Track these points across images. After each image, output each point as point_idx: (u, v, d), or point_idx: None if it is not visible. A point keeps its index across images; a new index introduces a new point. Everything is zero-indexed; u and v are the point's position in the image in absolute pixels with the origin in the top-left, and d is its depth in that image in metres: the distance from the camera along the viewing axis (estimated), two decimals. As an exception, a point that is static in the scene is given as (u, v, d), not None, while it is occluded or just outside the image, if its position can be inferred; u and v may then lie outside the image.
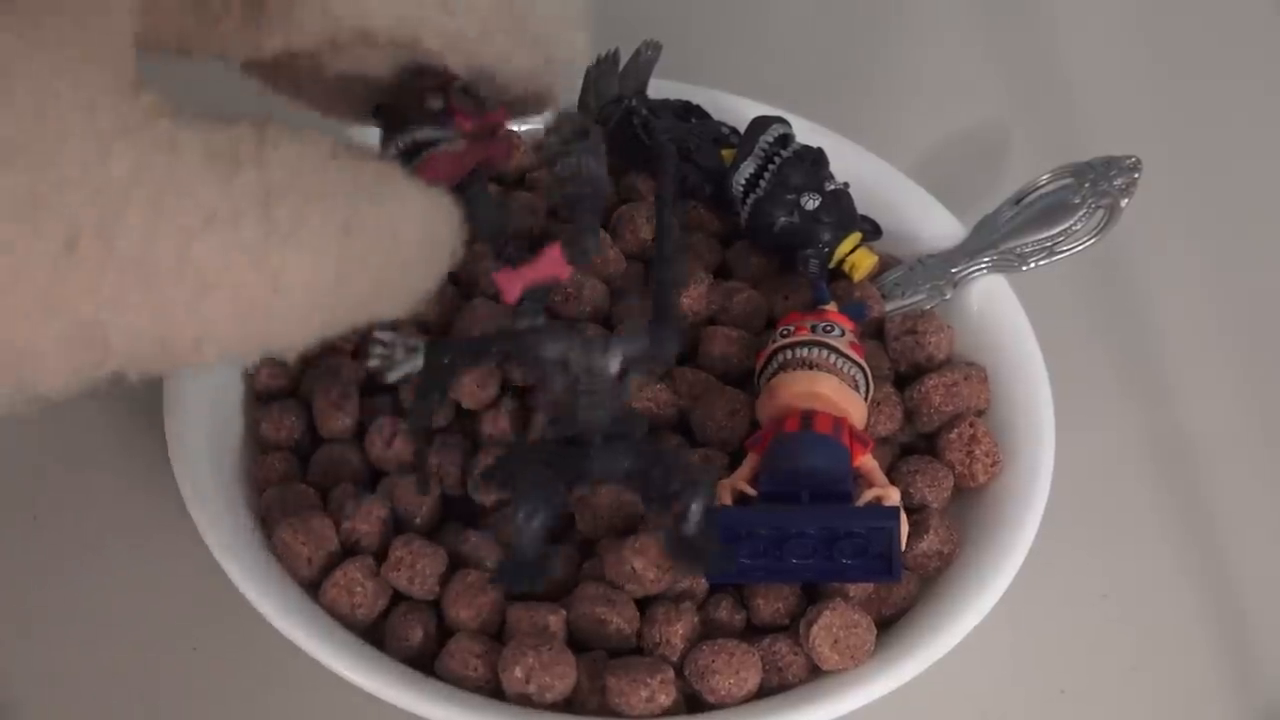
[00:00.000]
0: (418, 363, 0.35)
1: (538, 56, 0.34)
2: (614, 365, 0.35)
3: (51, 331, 0.25)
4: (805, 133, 0.49)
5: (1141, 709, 0.45)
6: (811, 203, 0.45)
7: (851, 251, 0.46)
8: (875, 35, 0.64)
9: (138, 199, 0.24)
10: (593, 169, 0.33)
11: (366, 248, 0.28)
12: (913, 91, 0.61)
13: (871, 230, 0.47)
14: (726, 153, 0.48)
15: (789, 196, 0.45)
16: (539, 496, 0.35)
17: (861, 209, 0.48)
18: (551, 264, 0.34)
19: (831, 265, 0.46)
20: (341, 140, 0.29)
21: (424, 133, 0.34)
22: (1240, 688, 0.45)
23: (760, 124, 0.46)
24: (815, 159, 0.46)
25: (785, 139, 0.46)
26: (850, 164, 0.49)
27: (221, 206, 0.25)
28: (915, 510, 0.42)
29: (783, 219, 0.46)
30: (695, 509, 0.36)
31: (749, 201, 0.46)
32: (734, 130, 0.49)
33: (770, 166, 0.46)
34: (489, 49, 0.33)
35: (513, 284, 0.34)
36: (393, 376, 0.35)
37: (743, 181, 0.46)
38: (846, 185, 0.47)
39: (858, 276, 0.46)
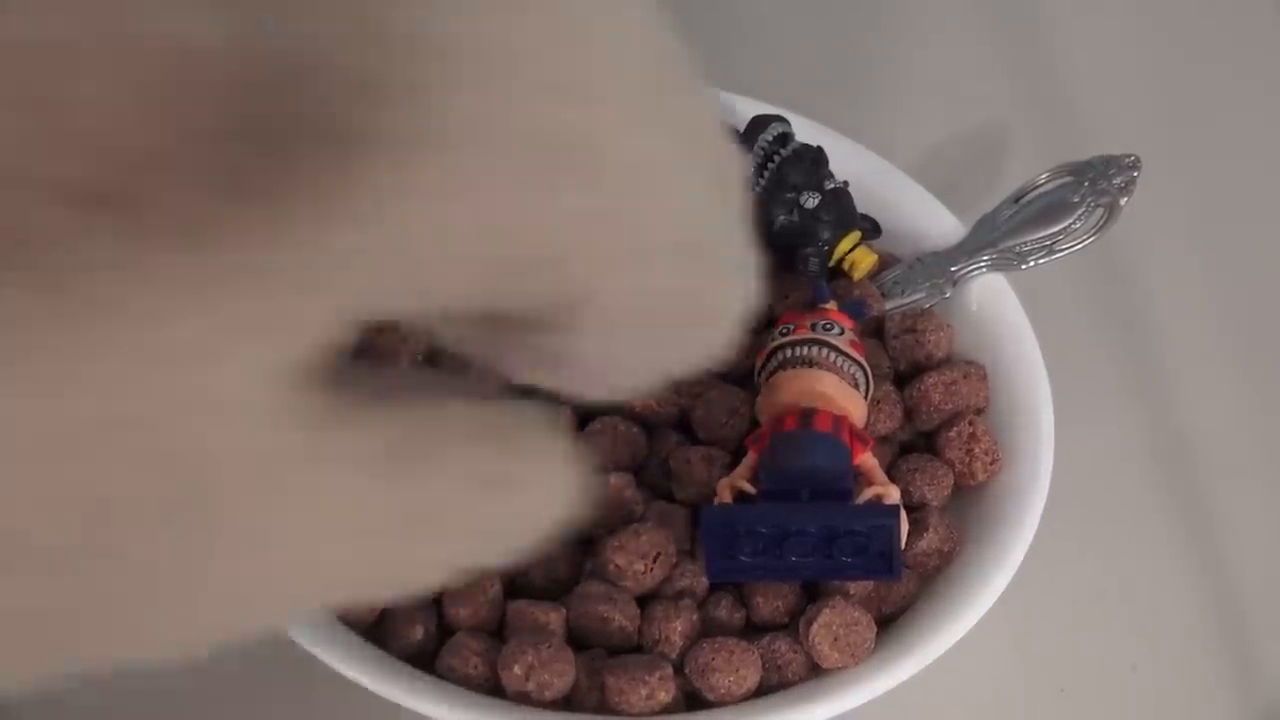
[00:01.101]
0: None
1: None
2: None
3: None
4: (805, 131, 0.49)
5: (1141, 708, 0.45)
6: (811, 201, 0.45)
7: (851, 250, 0.46)
8: (875, 34, 0.64)
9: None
10: None
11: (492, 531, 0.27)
12: (912, 90, 0.61)
13: (871, 228, 0.47)
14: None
15: (788, 195, 0.45)
16: None
17: (861, 207, 0.48)
18: None
19: (831, 264, 0.46)
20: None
21: None
22: (1240, 687, 0.45)
23: (759, 122, 0.46)
24: (815, 158, 0.46)
25: (784, 137, 0.46)
26: (849, 162, 0.49)
27: (363, 525, 0.24)
28: (915, 508, 0.42)
29: (782, 218, 0.46)
30: None
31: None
32: (734, 130, 0.49)
33: (770, 165, 0.46)
34: None
35: None
36: None
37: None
38: (846, 184, 0.47)
39: (858, 275, 0.46)
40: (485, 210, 0.21)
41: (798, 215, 0.45)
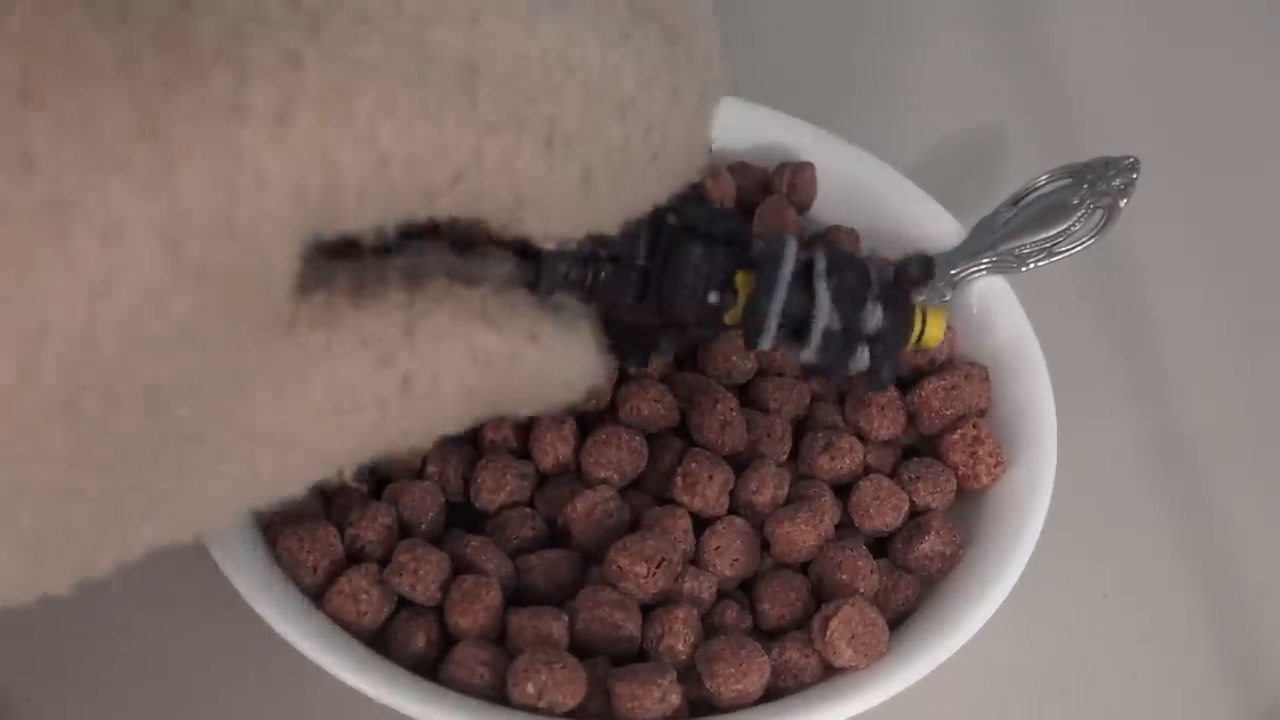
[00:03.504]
0: None
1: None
2: None
3: None
4: (801, 133, 0.49)
5: (1142, 709, 0.45)
6: (875, 319, 0.35)
7: (920, 335, 0.37)
8: (874, 35, 0.64)
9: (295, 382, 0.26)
10: None
11: (492, 397, 0.30)
12: (911, 92, 0.61)
13: (921, 269, 0.36)
14: (742, 278, 0.35)
15: (853, 330, 0.35)
16: None
17: (860, 211, 0.48)
18: None
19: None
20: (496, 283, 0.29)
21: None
22: (1242, 688, 0.46)
23: (770, 255, 0.35)
24: (853, 264, 0.36)
25: (809, 263, 0.35)
26: (849, 165, 0.49)
27: (368, 396, 0.27)
28: (918, 513, 0.43)
29: (866, 356, 0.35)
30: None
31: (812, 342, 0.35)
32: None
33: (815, 316, 0.35)
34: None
35: None
36: None
37: (774, 322, 0.35)
38: (874, 254, 0.37)
39: (934, 344, 0.37)
40: (371, 141, 0.23)
41: (873, 348, 0.36)
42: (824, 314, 0.35)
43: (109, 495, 0.25)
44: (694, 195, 0.35)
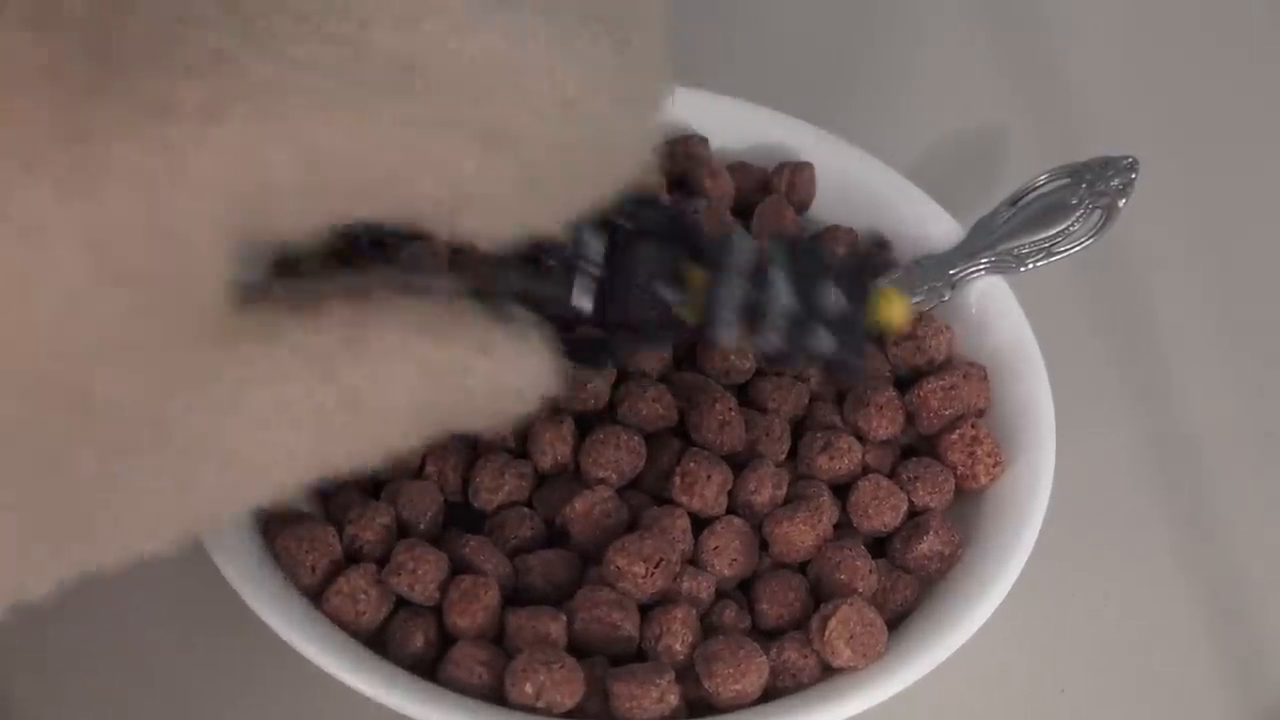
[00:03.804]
0: None
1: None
2: None
3: None
4: (799, 132, 0.48)
5: (1142, 709, 0.45)
6: (832, 300, 0.35)
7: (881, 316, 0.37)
8: (871, 34, 0.64)
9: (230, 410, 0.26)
10: None
11: (444, 411, 0.29)
12: (910, 92, 0.61)
13: (879, 248, 0.39)
14: (695, 275, 0.35)
15: (819, 311, 0.35)
16: None
17: (859, 211, 0.47)
18: None
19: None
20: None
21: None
22: (1242, 688, 0.46)
23: (721, 246, 0.35)
24: (806, 249, 0.36)
25: (756, 254, 0.35)
26: (848, 165, 0.49)
27: (309, 411, 0.27)
28: (917, 513, 0.43)
29: (828, 349, 0.36)
30: None
31: (769, 324, 0.35)
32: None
33: (780, 315, 0.35)
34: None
35: None
36: None
37: (731, 312, 0.35)
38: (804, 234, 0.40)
39: (897, 323, 0.37)
40: (304, 139, 0.23)
41: (834, 330, 0.36)
42: (780, 294, 0.35)
43: (32, 509, 0.24)
44: (648, 198, 0.35)
